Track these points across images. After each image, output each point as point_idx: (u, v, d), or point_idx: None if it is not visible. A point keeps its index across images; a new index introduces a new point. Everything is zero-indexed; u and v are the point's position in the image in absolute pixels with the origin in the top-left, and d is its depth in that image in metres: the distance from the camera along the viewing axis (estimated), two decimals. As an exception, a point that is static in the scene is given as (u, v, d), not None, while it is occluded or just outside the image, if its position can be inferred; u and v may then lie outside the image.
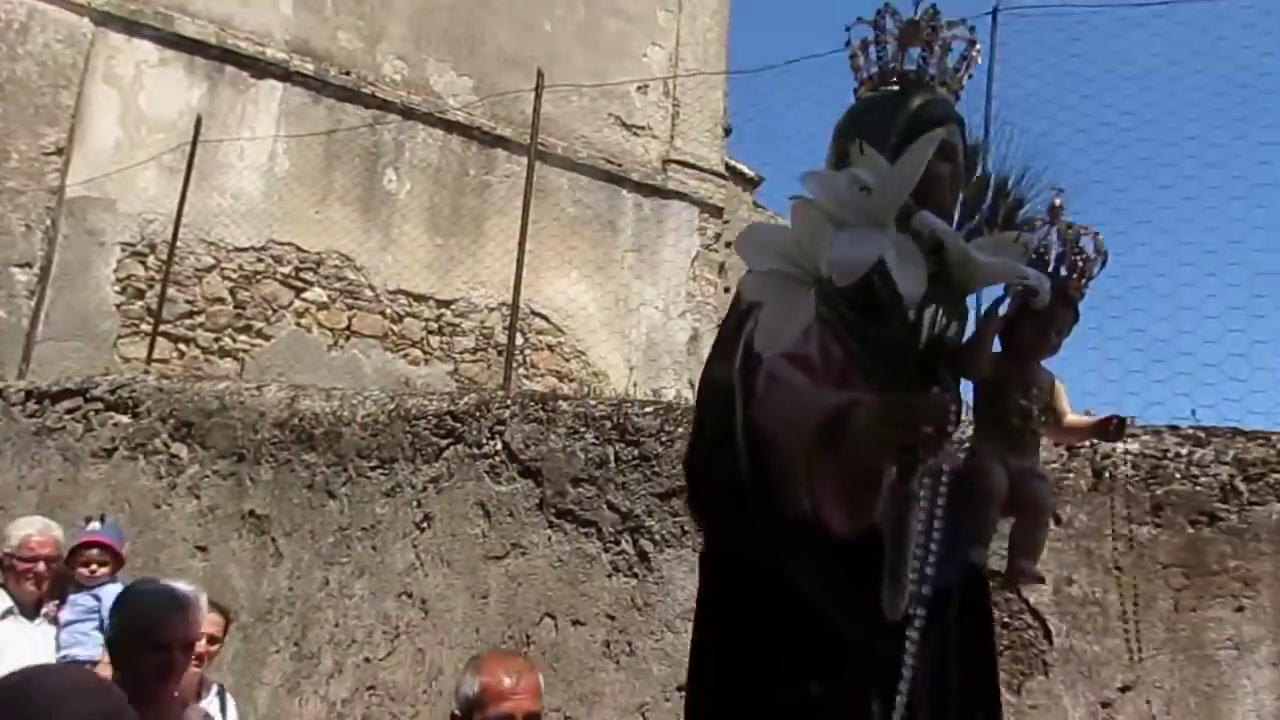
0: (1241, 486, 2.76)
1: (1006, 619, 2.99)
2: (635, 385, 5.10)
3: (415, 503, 4.47)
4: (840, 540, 1.28)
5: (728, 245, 9.90)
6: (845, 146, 1.44)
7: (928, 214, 1.15)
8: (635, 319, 7.85)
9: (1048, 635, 2.90)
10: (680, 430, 3.92)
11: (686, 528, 3.74)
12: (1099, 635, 2.82)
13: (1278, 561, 2.65)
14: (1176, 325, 3.52)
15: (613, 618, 3.79)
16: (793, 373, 1.32)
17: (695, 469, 1.43)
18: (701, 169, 8.40)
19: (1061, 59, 3.98)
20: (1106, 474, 2.95)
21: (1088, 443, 3.05)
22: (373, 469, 4.67)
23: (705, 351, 8.19)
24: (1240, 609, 2.67)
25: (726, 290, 9.79)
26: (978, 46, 1.50)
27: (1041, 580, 1.65)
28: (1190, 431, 2.96)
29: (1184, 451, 2.89)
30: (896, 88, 1.48)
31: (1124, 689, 2.75)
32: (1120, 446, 2.99)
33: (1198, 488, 2.81)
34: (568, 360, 7.53)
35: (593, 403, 4.32)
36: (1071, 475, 2.99)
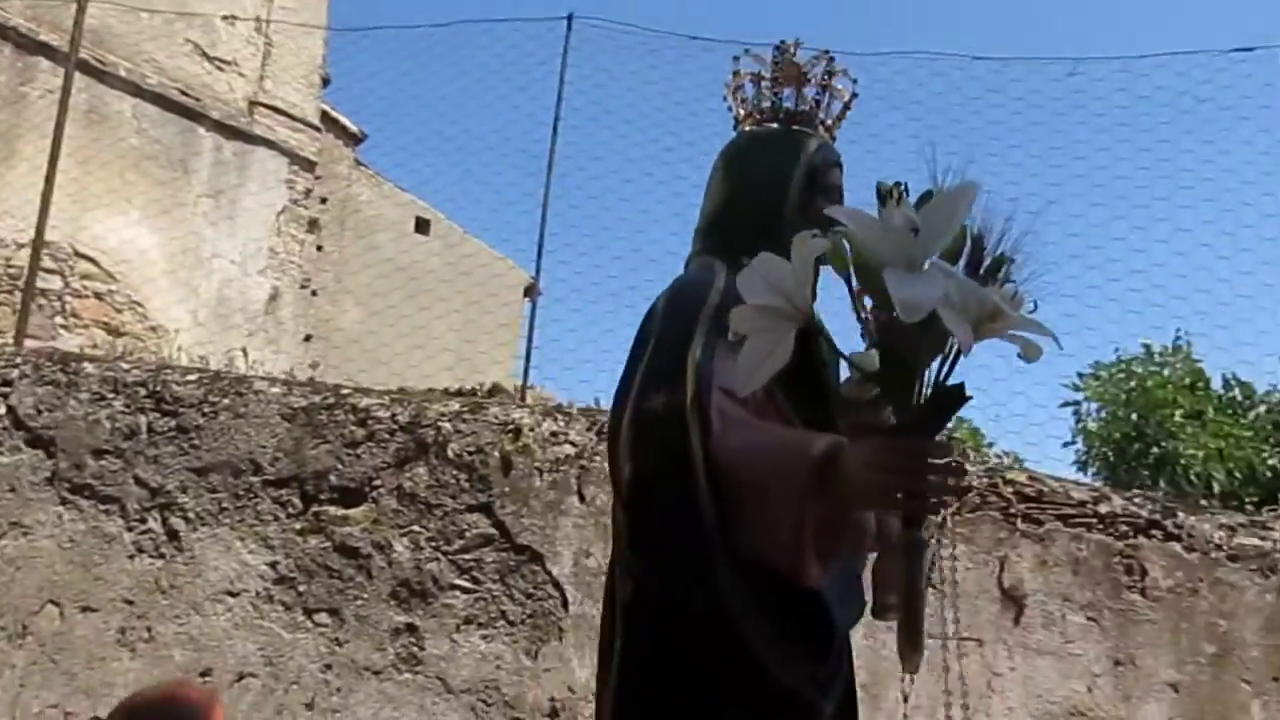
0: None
1: (531, 590, 3.21)
2: (181, 350, 4.66)
3: (-121, 475, 3.70)
4: (800, 589, 1.25)
5: (322, 201, 9.41)
6: (734, 173, 1.48)
7: (943, 263, 1.11)
8: (206, 271, 7.18)
9: (565, 604, 3.17)
10: (227, 401, 3.67)
11: (225, 504, 3.53)
12: (607, 602, 3.14)
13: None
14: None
15: (131, 602, 3.47)
16: (739, 410, 1.28)
17: (641, 507, 1.27)
18: (294, 118, 7.88)
19: (625, 74, 4.32)
20: (626, 457, 3.28)
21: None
22: None
23: (286, 312, 7.66)
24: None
25: (320, 249, 9.31)
26: (857, 97, 1.54)
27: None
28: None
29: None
30: (775, 124, 1.51)
31: (623, 649, 3.09)
32: (640, 433, 3.34)
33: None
34: (120, 312, 6.67)
35: (125, 366, 3.88)
36: (598, 459, 3.29)
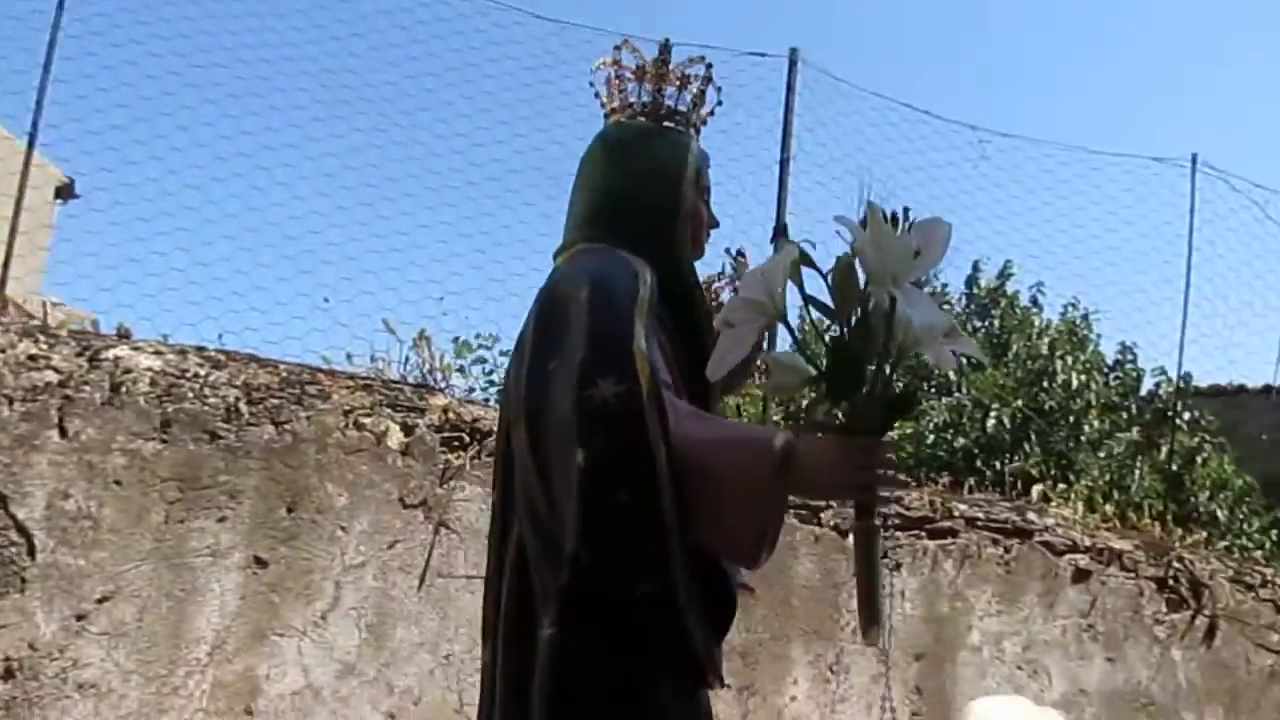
0: (244, 408, 3.02)
1: (-14, 537, 2.76)
2: None
3: None
4: (715, 572, 1.32)
5: None
6: (625, 165, 1.49)
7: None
8: None
9: (31, 552, 2.76)
10: None
11: None
12: (87, 549, 2.80)
13: (261, 477, 2.97)
14: (217, 252, 3.71)
15: None
16: (683, 401, 1.31)
17: (598, 498, 1.24)
18: None
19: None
20: (124, 389, 2.93)
21: (113, 355, 3.00)
22: None
23: None
24: (223, 519, 2.92)
25: None
26: (721, 105, 1.60)
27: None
28: (213, 354, 3.13)
29: (203, 372, 3.03)
30: (643, 119, 1.54)
31: (102, 600, 2.78)
32: (143, 362, 3.00)
33: (206, 407, 2.98)
34: None
35: None
36: (88, 388, 2.90)
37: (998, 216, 5.03)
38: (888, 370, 1.26)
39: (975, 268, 7.45)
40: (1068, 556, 3.84)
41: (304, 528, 2.99)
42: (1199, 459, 5.68)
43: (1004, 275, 7.37)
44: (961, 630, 3.63)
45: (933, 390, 6.83)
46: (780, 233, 1.40)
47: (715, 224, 1.57)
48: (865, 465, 1.26)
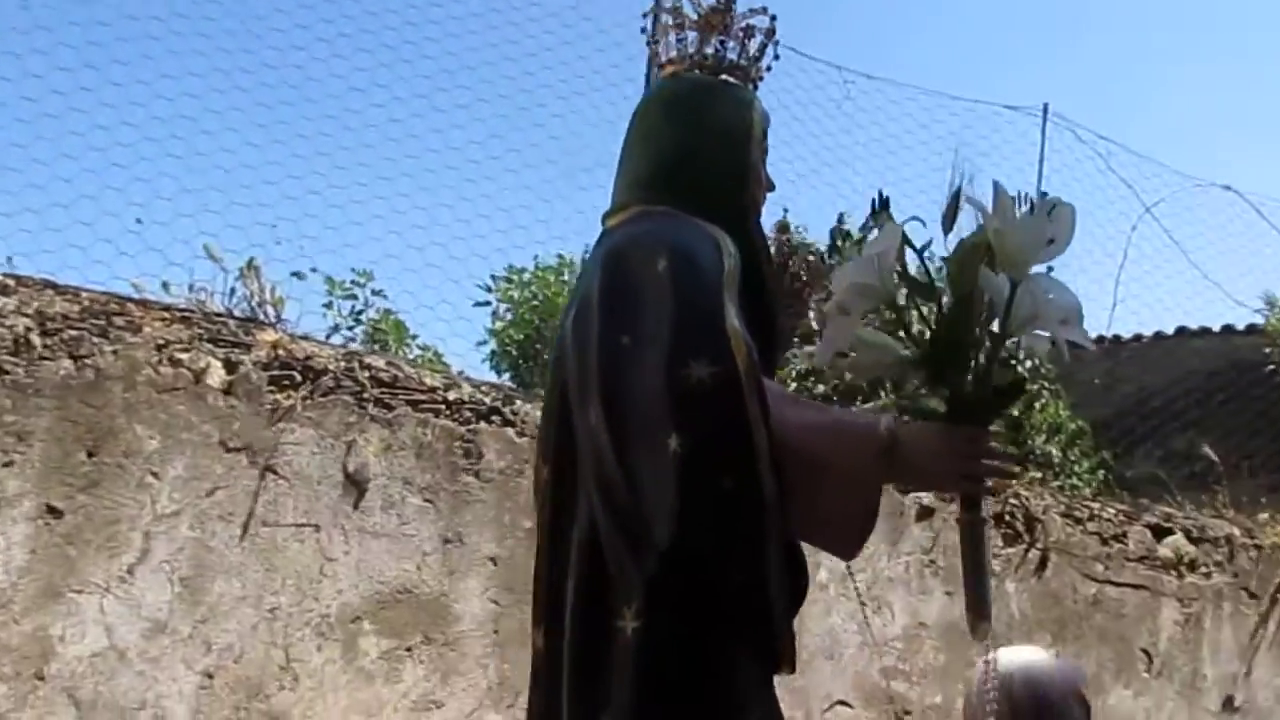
0: (36, 340, 2.69)
1: None
2: None
3: None
4: (795, 558, 1.31)
5: None
6: (688, 122, 1.39)
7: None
8: None
9: None
10: None
11: None
12: None
13: (56, 417, 2.67)
14: (6, 162, 3.30)
15: None
16: (775, 383, 1.28)
17: (697, 483, 1.17)
18: None
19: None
20: (-113, 317, 2.56)
21: None
22: None
23: None
24: (10, 464, 2.61)
25: None
26: (779, 59, 1.50)
27: None
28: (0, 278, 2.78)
29: (-15, 301, 2.69)
30: (699, 72, 1.44)
31: None
32: (-89, 288, 2.63)
33: (-11, 340, 2.64)
34: None
35: None
36: None
37: (859, 159, 5.05)
38: (995, 357, 1.23)
39: (840, 219, 7.54)
40: (913, 495, 3.92)
41: (108, 473, 2.71)
42: (1037, 405, 5.95)
43: (867, 228, 7.48)
44: (810, 568, 3.67)
45: (796, 339, 6.94)
46: (882, 207, 1.28)
47: (772, 187, 1.49)
48: (971, 455, 1.24)
